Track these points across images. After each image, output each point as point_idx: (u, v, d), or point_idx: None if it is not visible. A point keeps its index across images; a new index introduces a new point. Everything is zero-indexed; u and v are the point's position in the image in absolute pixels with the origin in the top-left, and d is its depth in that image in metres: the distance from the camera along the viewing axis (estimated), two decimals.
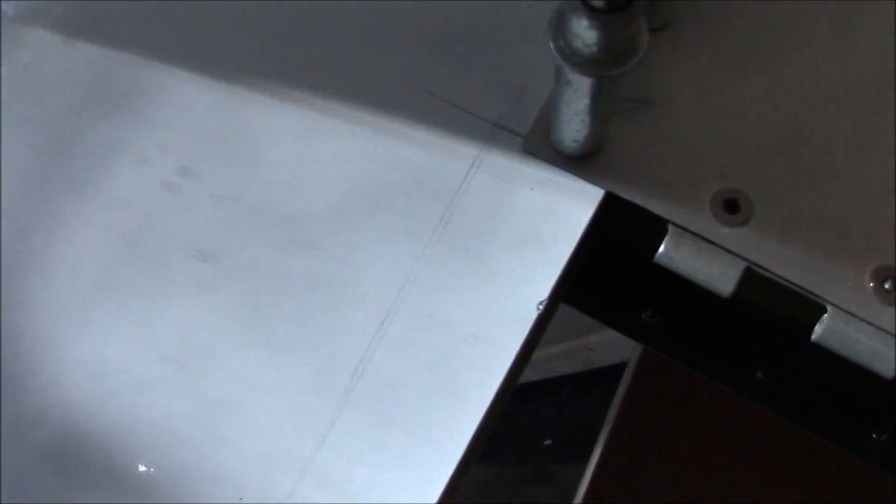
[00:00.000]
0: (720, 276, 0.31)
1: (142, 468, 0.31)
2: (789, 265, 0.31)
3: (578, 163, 0.32)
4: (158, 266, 0.33)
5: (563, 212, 0.32)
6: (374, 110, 0.34)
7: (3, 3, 0.39)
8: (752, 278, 0.31)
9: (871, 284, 0.31)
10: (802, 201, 0.32)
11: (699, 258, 0.31)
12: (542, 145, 0.33)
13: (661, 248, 0.32)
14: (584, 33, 0.25)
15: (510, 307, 0.31)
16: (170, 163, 0.34)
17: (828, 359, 0.32)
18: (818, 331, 0.31)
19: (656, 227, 0.32)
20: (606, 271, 0.38)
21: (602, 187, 0.32)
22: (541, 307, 0.31)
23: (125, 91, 0.35)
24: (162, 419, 0.31)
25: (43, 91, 0.35)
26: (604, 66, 0.26)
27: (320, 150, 0.33)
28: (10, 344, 0.33)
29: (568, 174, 0.32)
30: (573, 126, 0.30)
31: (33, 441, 0.32)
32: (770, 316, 0.33)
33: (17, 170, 0.34)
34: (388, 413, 0.31)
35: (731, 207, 0.32)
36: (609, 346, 1.20)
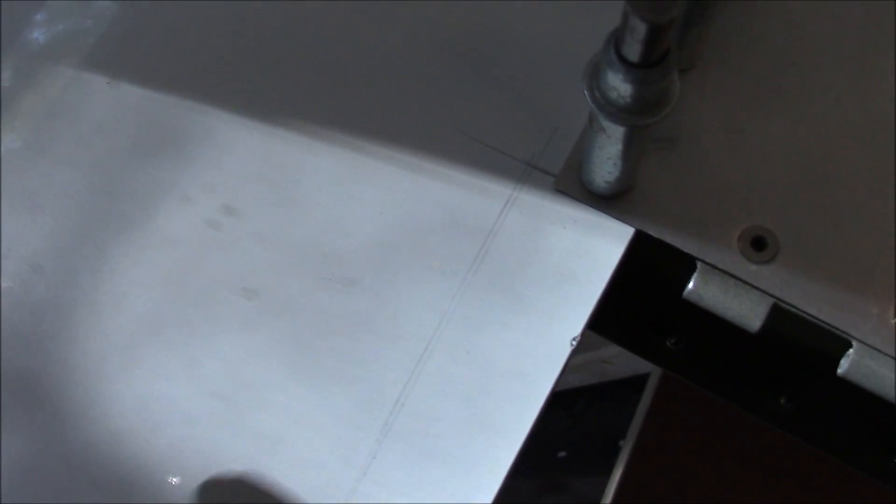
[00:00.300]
0: (748, 313, 0.32)
1: (189, 499, 0.32)
2: (815, 301, 0.32)
3: (609, 202, 0.33)
4: (203, 303, 0.34)
5: (594, 249, 0.33)
6: (411, 151, 0.35)
7: (34, 32, 0.40)
8: (779, 314, 0.32)
9: None
10: (827, 239, 0.33)
11: (727, 295, 0.32)
12: (573, 185, 0.34)
13: (690, 285, 0.33)
14: (619, 86, 0.26)
15: (544, 343, 0.32)
16: (214, 202, 0.35)
17: (852, 389, 0.33)
18: (844, 365, 0.32)
19: (684, 264, 0.33)
20: (633, 302, 0.38)
21: (632, 225, 0.33)
22: (574, 343, 0.32)
23: (170, 132, 0.36)
24: (210, 452, 0.33)
25: (90, 132, 0.37)
26: (637, 115, 0.27)
27: (359, 189, 0.35)
28: (61, 378, 0.34)
29: (599, 213, 0.33)
30: (605, 168, 0.31)
31: (84, 473, 0.33)
32: (796, 348, 0.34)
33: (66, 209, 0.36)
34: (426, 446, 0.32)
35: (759, 245, 0.33)
36: (625, 358, 1.21)
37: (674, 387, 0.68)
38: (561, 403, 1.42)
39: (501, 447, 0.31)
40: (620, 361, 1.25)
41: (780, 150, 0.34)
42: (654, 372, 0.74)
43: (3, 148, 0.38)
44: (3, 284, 0.35)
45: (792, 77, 0.35)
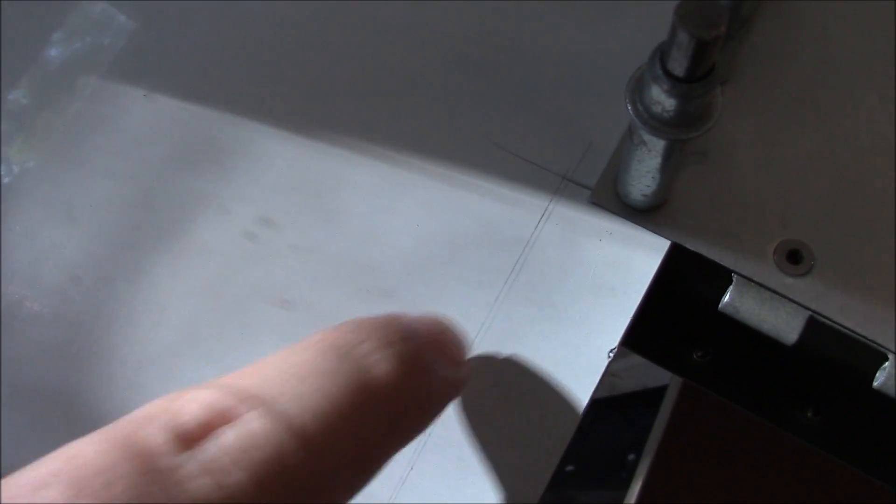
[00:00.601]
0: (784, 325, 0.32)
1: None
2: (851, 314, 0.32)
3: (645, 214, 0.34)
4: (240, 313, 0.34)
5: (630, 262, 0.33)
6: (446, 163, 0.35)
7: (49, 50, 0.41)
8: (815, 327, 0.33)
9: None
10: (862, 252, 0.33)
11: (763, 307, 0.33)
12: (609, 198, 0.34)
13: (727, 298, 0.33)
14: (664, 100, 0.26)
15: (582, 354, 0.32)
16: (250, 213, 0.35)
17: (883, 403, 0.33)
18: (880, 377, 0.32)
19: (719, 276, 0.34)
20: (665, 315, 0.39)
21: (669, 238, 0.33)
22: (611, 355, 0.32)
23: (206, 143, 0.36)
24: None
25: (128, 143, 0.37)
26: (680, 129, 0.27)
27: (395, 201, 0.35)
28: (99, 388, 0.34)
29: (635, 225, 0.34)
30: (644, 182, 0.31)
31: None
32: (830, 361, 0.34)
33: (104, 220, 0.36)
34: (464, 457, 0.32)
35: (794, 258, 0.33)
36: (634, 372, 1.21)
37: (693, 400, 0.68)
38: None
39: (538, 459, 0.31)
40: (629, 375, 1.25)
41: (814, 164, 0.34)
42: (673, 384, 0.74)
43: (32, 161, 0.38)
44: (41, 297, 0.36)
45: (825, 93, 0.35)
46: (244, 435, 0.20)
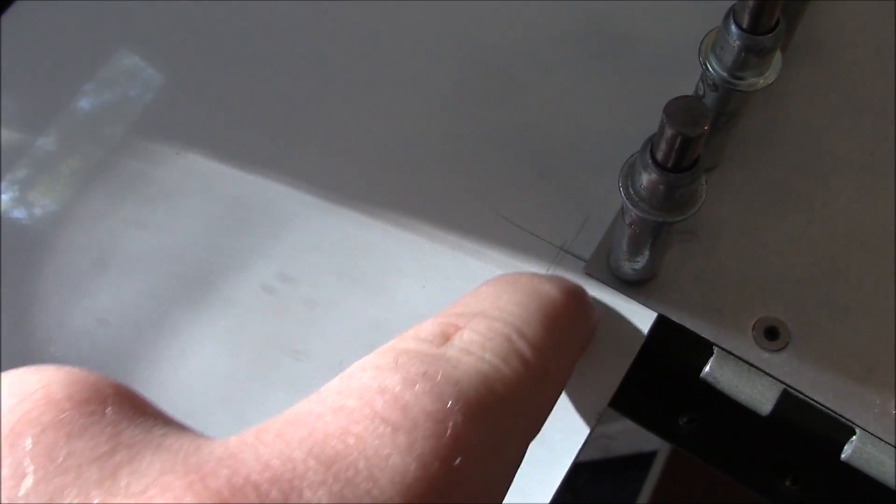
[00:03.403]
0: (759, 397, 0.35)
1: None
2: (822, 390, 0.35)
3: (635, 287, 0.36)
4: (255, 361, 0.37)
5: (620, 330, 0.36)
6: (454, 230, 0.38)
7: (80, 100, 0.44)
8: (789, 400, 0.35)
9: None
10: (835, 332, 0.35)
11: (741, 379, 0.35)
12: (602, 270, 0.37)
13: (707, 368, 0.35)
14: (652, 186, 0.29)
15: (570, 415, 0.35)
16: (270, 269, 0.38)
17: (855, 475, 0.35)
18: (847, 450, 0.35)
19: (701, 348, 0.36)
20: (651, 381, 0.41)
21: (655, 310, 0.36)
22: (599, 417, 0.35)
23: (232, 201, 0.39)
24: None
25: (157, 196, 0.40)
26: (667, 213, 0.30)
27: (404, 262, 0.38)
28: None
29: (625, 297, 0.36)
30: (634, 257, 0.34)
31: None
32: (803, 432, 0.37)
33: (132, 267, 0.39)
34: None
35: (771, 334, 0.35)
36: (629, 435, 1.22)
37: (681, 465, 0.70)
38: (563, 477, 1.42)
39: None
40: (624, 438, 1.26)
41: (794, 247, 0.37)
42: (662, 449, 0.76)
43: (56, 205, 0.41)
44: (70, 337, 0.38)
45: (806, 182, 0.38)
46: (478, 332, 0.25)
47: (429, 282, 0.37)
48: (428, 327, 0.26)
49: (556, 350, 0.28)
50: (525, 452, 0.26)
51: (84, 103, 0.44)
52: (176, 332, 0.38)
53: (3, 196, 0.42)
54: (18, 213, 0.41)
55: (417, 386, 0.21)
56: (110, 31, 0.45)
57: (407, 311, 0.37)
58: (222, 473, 0.18)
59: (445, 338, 0.25)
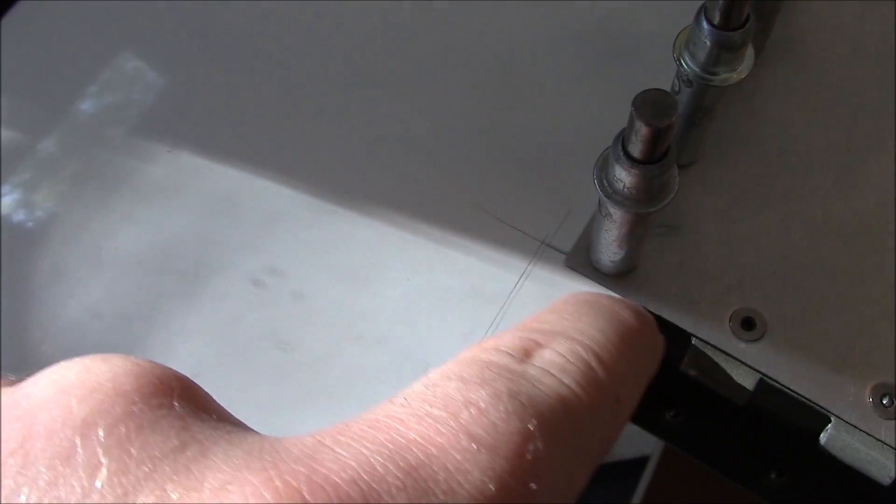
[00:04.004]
0: (736, 386, 0.35)
1: None
2: (798, 379, 0.35)
3: (615, 279, 0.37)
4: (243, 352, 0.38)
5: None
6: (438, 224, 0.39)
7: (83, 103, 0.45)
8: (765, 389, 0.36)
9: (871, 400, 0.35)
10: (811, 322, 0.36)
11: (718, 369, 0.36)
12: (582, 263, 0.38)
13: (685, 359, 0.36)
14: (625, 178, 0.30)
15: None
16: (258, 263, 0.39)
17: (834, 463, 0.36)
18: (823, 438, 0.35)
19: (681, 339, 0.37)
20: None
21: (635, 301, 0.37)
22: None
23: (223, 198, 0.40)
24: None
25: (150, 192, 0.41)
26: (640, 204, 0.30)
27: (389, 256, 0.38)
28: None
29: (605, 289, 0.37)
30: (611, 249, 0.35)
31: None
32: (782, 422, 0.37)
33: (126, 263, 0.40)
34: None
35: (748, 325, 0.36)
36: (629, 440, 1.22)
37: (674, 466, 0.71)
38: None
39: None
40: (626, 442, 1.26)
41: (771, 241, 0.38)
42: (657, 446, 0.77)
43: (59, 206, 0.42)
44: (65, 329, 0.39)
45: (784, 176, 0.39)
46: (559, 353, 0.26)
47: (414, 275, 0.38)
48: (510, 341, 0.26)
49: (630, 377, 0.28)
50: (589, 478, 0.26)
51: (85, 106, 0.45)
52: (166, 325, 0.39)
53: (4, 198, 0.43)
54: (16, 210, 0.42)
55: (502, 405, 0.21)
56: (109, 33, 0.46)
57: (392, 303, 0.38)
58: (301, 472, 0.18)
59: (526, 353, 0.25)
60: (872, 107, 0.40)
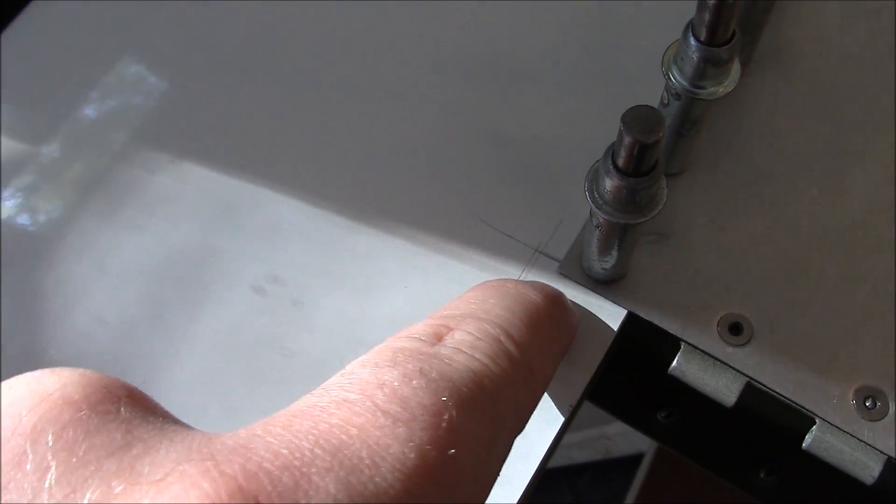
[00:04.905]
0: (724, 389, 0.36)
1: None
2: (784, 382, 0.36)
3: (606, 286, 0.38)
4: (244, 358, 0.39)
5: (592, 327, 0.37)
6: (434, 233, 0.40)
7: (85, 107, 0.46)
8: (752, 392, 0.37)
9: (854, 402, 0.36)
10: (796, 327, 0.37)
11: (706, 373, 0.37)
12: (575, 270, 0.39)
13: (675, 362, 0.37)
14: (615, 189, 0.31)
15: (544, 407, 0.36)
16: (260, 271, 0.40)
17: (820, 463, 0.37)
18: (808, 440, 0.36)
19: (671, 343, 0.38)
20: (627, 376, 0.43)
21: (625, 307, 0.38)
22: (570, 408, 0.36)
23: (225, 206, 0.41)
24: None
25: (154, 201, 0.42)
26: (630, 215, 0.31)
27: (388, 265, 0.39)
28: None
29: (597, 295, 0.38)
30: (602, 257, 0.36)
31: None
32: (769, 423, 0.38)
33: (130, 271, 0.41)
34: None
35: (735, 330, 0.37)
36: (628, 437, 1.24)
37: (667, 465, 0.72)
38: (564, 479, 1.44)
39: (504, 496, 0.35)
40: (623, 439, 1.28)
41: (758, 247, 0.39)
42: (651, 446, 0.78)
43: (60, 211, 0.43)
44: (69, 336, 0.40)
45: (770, 184, 0.40)
46: (468, 332, 0.27)
47: (410, 282, 0.39)
48: (421, 328, 0.27)
49: (540, 350, 0.30)
50: (511, 446, 0.27)
51: (87, 111, 0.46)
52: (169, 332, 0.40)
53: (7, 202, 0.44)
54: (21, 218, 0.43)
55: (414, 381, 0.23)
56: (111, 39, 0.47)
57: (389, 310, 0.39)
58: (236, 461, 0.19)
59: (438, 337, 0.27)
60: (858, 115, 0.41)
